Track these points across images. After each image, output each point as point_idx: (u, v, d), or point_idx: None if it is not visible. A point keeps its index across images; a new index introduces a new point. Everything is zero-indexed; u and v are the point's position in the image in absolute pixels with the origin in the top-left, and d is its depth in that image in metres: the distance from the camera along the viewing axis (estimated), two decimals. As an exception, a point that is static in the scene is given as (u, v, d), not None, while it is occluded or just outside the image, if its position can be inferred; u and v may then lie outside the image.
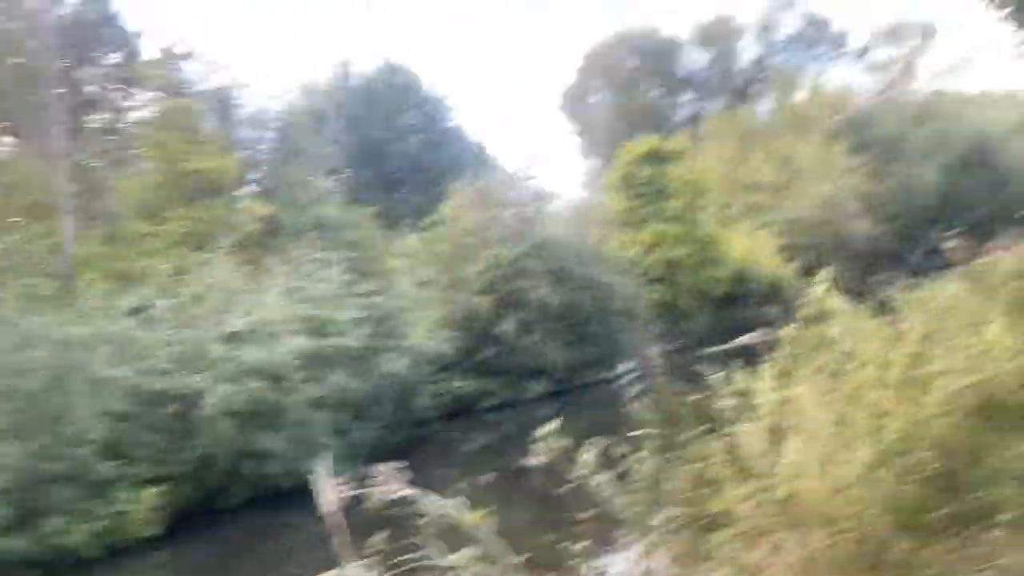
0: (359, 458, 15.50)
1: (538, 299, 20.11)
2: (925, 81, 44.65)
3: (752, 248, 31.53)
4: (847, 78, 46.01)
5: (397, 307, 16.63)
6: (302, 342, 13.38)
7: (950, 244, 9.19)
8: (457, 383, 20.27)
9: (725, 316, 28.70)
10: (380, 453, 17.12)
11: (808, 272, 32.99)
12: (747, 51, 50.22)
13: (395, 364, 14.93)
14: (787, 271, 31.46)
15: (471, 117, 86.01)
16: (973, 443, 4.79)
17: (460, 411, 20.18)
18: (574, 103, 48.74)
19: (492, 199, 22.58)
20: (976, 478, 4.22)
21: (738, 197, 36.59)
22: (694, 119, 47.29)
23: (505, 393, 20.23)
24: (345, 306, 14.99)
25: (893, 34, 45.37)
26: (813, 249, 33.94)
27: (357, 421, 14.37)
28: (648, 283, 27.35)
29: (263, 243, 16.83)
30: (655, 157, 28.59)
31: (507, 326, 20.26)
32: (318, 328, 14.21)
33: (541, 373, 20.47)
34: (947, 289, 8.38)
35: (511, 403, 20.17)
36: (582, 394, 20.69)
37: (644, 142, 29.14)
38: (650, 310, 26.59)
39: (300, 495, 13.80)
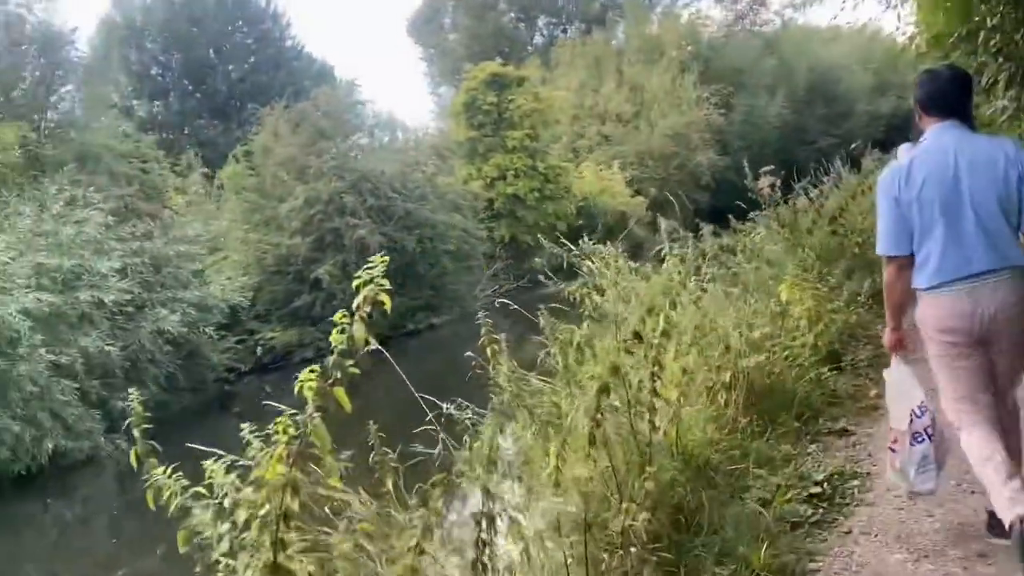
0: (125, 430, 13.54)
1: (357, 239, 18.24)
2: (775, 12, 44.75)
3: (600, 181, 30.65)
4: (700, 7, 45.42)
5: (179, 252, 14.35)
6: (40, 298, 11.08)
7: (761, 183, 8.12)
8: (270, 333, 18.36)
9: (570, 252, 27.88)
10: (166, 419, 15.15)
11: (656, 205, 32.67)
12: (603, -25, 48.81)
13: (170, 319, 12.80)
14: (635, 203, 30.87)
15: (316, 37, 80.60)
16: (729, 459, 3.53)
17: (275, 363, 18.36)
18: (422, 27, 45.95)
19: (313, 126, 20.26)
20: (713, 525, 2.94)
21: (589, 128, 35.55)
22: (549, 46, 45.67)
23: (323, 343, 18.47)
24: (108, 253, 12.65)
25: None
26: (661, 181, 33.56)
27: (121, 388, 12.25)
28: (491, 219, 25.99)
29: (12, 179, 14.07)
30: (499, 83, 26.86)
31: (324, 270, 18.36)
32: (67, 280, 11.88)
33: (364, 320, 18.75)
34: (753, 237, 7.28)
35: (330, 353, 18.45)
36: (408, 343, 19.22)
37: (487, 66, 27.31)
38: (493, 248, 25.31)
39: (41, 479, 11.68)
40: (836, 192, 8.41)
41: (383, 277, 1.71)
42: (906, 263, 2.92)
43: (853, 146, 12.66)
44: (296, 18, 73.62)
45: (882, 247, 2.98)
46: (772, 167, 8.00)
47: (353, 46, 70.78)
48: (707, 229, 7.05)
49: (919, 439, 3.02)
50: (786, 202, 7.98)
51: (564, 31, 47.93)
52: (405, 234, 19.66)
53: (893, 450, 3.11)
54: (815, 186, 9.86)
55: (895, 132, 36.12)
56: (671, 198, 33.14)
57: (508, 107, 26.33)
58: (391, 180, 19.98)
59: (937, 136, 2.94)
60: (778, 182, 7.34)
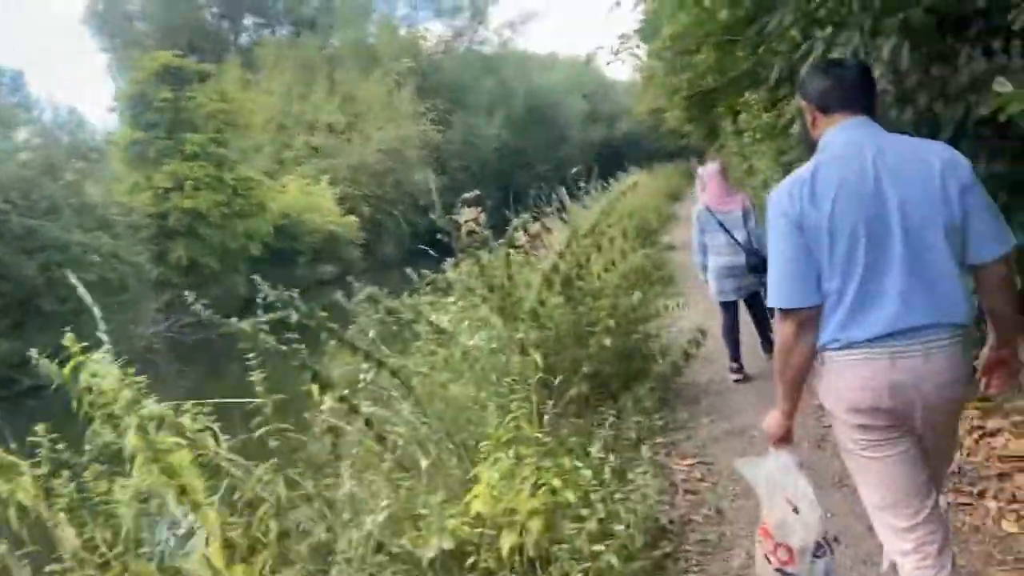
0: None
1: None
2: (495, 31, 44.20)
3: (307, 197, 27.05)
4: (419, 19, 43.66)
5: None
6: None
7: (464, 215, 5.44)
8: None
9: (268, 278, 23.77)
10: None
11: (370, 225, 29.75)
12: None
13: None
14: (346, 223, 27.71)
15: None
16: None
17: None
18: (104, 14, 39.18)
19: None
20: None
21: (297, 138, 31.80)
22: (255, 47, 41.15)
23: None
24: None
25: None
26: (377, 200, 30.80)
27: None
28: (164, 238, 21.42)
29: None
30: (175, 77, 22.35)
31: None
32: None
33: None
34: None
35: None
36: (29, 403, 14.43)
37: (159, 56, 22.66)
38: (166, 274, 20.76)
39: None
40: (567, 229, 5.95)
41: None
42: (812, 317, 1.92)
43: (574, 171, 10.50)
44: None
45: (778, 296, 1.92)
46: (478, 193, 5.33)
47: (34, 40, 59.73)
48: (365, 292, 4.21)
49: (820, 552, 2.07)
50: (499, 241, 5.28)
51: (272, 32, 43.60)
52: (23, 259, 14.81)
53: (785, 573, 2.06)
54: (536, 219, 7.40)
55: (606, 160, 36.69)
56: (386, 219, 30.76)
57: (187, 106, 21.93)
58: (5, 189, 15.02)
59: (846, 134, 1.97)
60: (481, 215, 4.64)
